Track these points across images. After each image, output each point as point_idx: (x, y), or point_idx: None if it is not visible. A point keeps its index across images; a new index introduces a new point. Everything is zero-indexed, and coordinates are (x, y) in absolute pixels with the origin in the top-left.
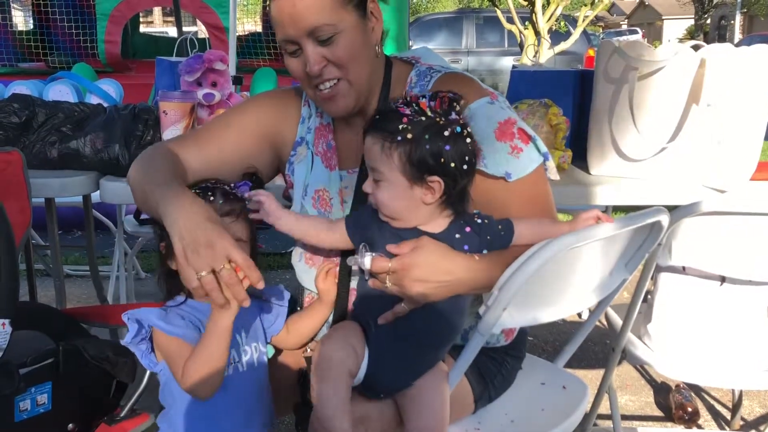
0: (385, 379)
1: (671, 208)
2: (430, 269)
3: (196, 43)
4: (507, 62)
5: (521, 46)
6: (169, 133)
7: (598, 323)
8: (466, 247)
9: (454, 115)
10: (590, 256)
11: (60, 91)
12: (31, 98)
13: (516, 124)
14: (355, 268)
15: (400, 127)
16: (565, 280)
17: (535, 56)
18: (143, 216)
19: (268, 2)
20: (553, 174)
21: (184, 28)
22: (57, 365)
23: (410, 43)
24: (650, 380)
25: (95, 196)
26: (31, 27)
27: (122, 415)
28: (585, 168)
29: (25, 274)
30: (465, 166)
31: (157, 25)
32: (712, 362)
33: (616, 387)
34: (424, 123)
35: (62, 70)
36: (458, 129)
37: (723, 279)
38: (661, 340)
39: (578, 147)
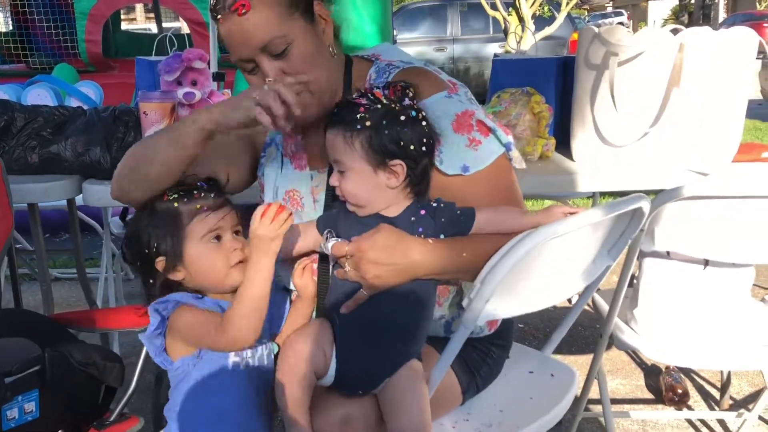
0: (355, 374)
1: (655, 193)
2: (385, 252)
3: (175, 41)
4: (493, 49)
5: (506, 32)
6: (150, 134)
7: (587, 307)
8: (420, 230)
9: (407, 101)
10: (572, 244)
11: (39, 95)
12: (9, 103)
13: (474, 115)
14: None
15: (358, 116)
16: (548, 270)
17: (518, 43)
18: (129, 217)
19: (216, 26)
20: (519, 163)
21: (167, 24)
22: (43, 372)
23: (394, 32)
24: (641, 363)
25: (79, 199)
26: (11, 29)
27: (111, 419)
28: (569, 155)
29: (10, 280)
30: (423, 148)
31: (140, 21)
32: (699, 345)
33: (607, 371)
34: (381, 110)
35: (43, 71)
36: (413, 113)
37: (706, 262)
38: (648, 325)
39: (562, 134)
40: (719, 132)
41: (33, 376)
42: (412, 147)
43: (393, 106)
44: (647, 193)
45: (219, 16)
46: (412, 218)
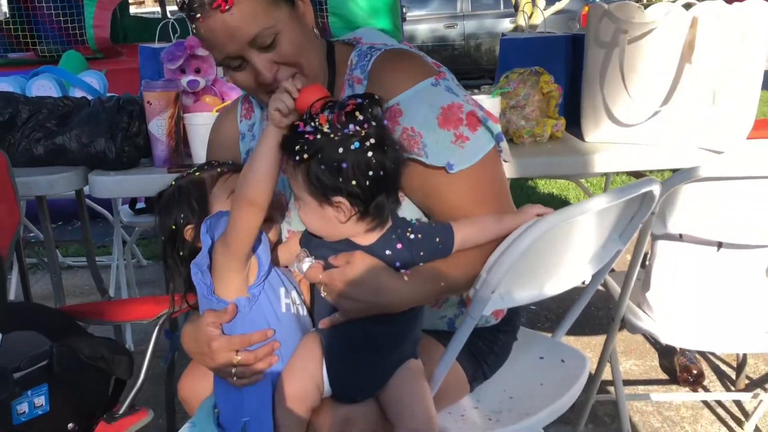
0: (349, 389)
1: (671, 172)
2: (358, 288)
3: (178, 27)
4: (504, 25)
5: (516, 7)
6: (154, 123)
7: (599, 287)
8: (398, 264)
9: (352, 128)
10: (582, 230)
11: (43, 86)
12: (13, 95)
13: (462, 108)
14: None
15: (297, 147)
16: (557, 257)
17: (528, 18)
18: (138, 205)
19: (193, 25)
20: (506, 156)
21: (172, 8)
22: (51, 367)
23: (404, 10)
24: (655, 344)
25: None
26: (15, 16)
27: (121, 412)
28: (579, 135)
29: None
30: (369, 181)
31: (148, 5)
32: (713, 328)
33: (620, 352)
34: (319, 142)
35: (52, 58)
36: (356, 144)
37: (720, 244)
38: (661, 309)
39: (573, 114)
40: (733, 108)
41: (41, 371)
42: (354, 182)
43: (332, 136)
44: (660, 172)
45: (198, 15)
46: (387, 252)
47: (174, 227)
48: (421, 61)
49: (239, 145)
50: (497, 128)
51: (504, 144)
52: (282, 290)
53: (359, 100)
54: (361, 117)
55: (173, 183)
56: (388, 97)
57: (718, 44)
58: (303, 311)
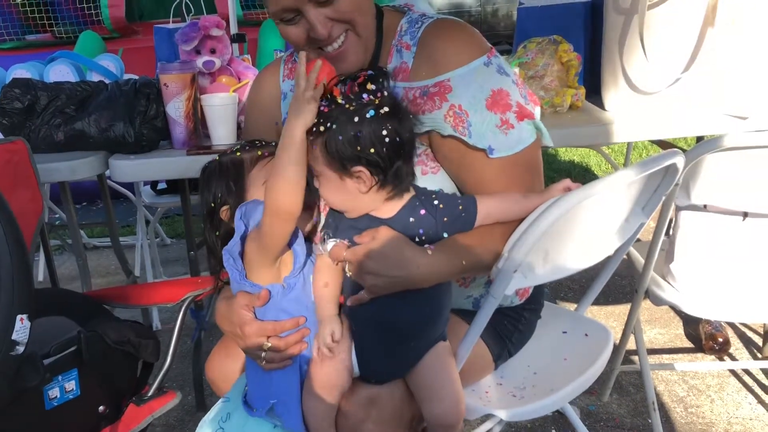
0: (378, 371)
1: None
2: (382, 263)
3: (191, 6)
4: None
5: None
6: (172, 105)
7: (624, 256)
8: (421, 231)
9: (366, 97)
10: (604, 205)
11: (61, 72)
12: (32, 82)
13: (511, 96)
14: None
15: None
16: (580, 233)
17: None
18: (160, 186)
19: None
20: (548, 141)
21: None
22: (80, 353)
23: None
24: (679, 312)
25: None
26: None
27: (150, 394)
28: (600, 104)
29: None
30: (386, 148)
31: None
32: (738, 298)
33: (644, 321)
34: (335, 113)
35: (69, 39)
36: (371, 112)
37: (745, 214)
38: (686, 280)
39: (593, 82)
40: (758, 72)
41: (71, 357)
42: (372, 150)
43: (347, 106)
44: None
45: None
46: (411, 219)
47: (213, 205)
48: (473, 35)
49: (280, 105)
50: (537, 113)
51: (544, 129)
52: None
53: (369, 72)
54: (373, 87)
55: (217, 158)
56: (438, 69)
57: (743, 6)
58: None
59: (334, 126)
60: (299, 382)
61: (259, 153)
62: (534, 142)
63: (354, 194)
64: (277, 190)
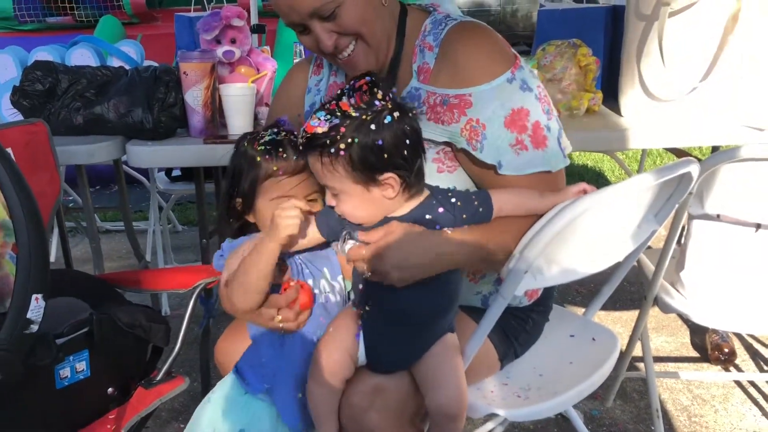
0: (386, 361)
1: (711, 150)
2: (404, 253)
3: None
4: None
5: None
6: (191, 94)
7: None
8: (438, 227)
9: (378, 103)
10: (617, 211)
11: (82, 56)
12: (53, 64)
13: (529, 116)
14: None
15: (330, 138)
16: (592, 237)
17: None
18: (174, 173)
19: None
20: (566, 149)
21: None
22: (91, 334)
23: None
24: (686, 321)
25: None
26: None
27: (158, 378)
28: (617, 109)
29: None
30: (407, 150)
31: None
32: (748, 309)
33: (651, 328)
34: (353, 125)
35: (89, 23)
36: (388, 118)
37: (758, 225)
38: (696, 289)
39: (610, 87)
40: None
41: (83, 338)
42: (398, 154)
43: (364, 117)
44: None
45: None
46: (428, 216)
47: (232, 190)
48: (497, 44)
49: (304, 98)
50: (559, 153)
51: (564, 140)
52: (310, 281)
53: (368, 78)
54: (380, 92)
55: (245, 145)
56: (460, 82)
57: (764, 16)
58: (334, 298)
59: (356, 140)
60: (300, 369)
61: (275, 168)
62: (542, 174)
63: (380, 202)
64: (240, 295)
